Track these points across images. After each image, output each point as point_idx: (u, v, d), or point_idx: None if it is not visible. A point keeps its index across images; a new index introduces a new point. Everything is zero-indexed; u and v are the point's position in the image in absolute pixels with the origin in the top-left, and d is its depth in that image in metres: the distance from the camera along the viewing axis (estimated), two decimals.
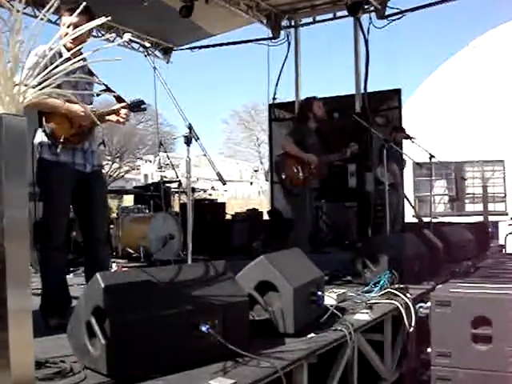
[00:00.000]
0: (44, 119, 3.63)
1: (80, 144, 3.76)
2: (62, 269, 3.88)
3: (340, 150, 6.04)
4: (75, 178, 3.75)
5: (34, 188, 3.87)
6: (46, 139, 3.66)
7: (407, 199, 9.19)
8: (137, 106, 3.85)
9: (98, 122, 3.69)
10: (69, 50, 3.43)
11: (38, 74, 2.08)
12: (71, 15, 3.38)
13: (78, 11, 2.77)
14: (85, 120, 3.67)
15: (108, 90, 3.83)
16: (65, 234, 3.81)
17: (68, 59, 2.65)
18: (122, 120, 3.85)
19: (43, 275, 3.80)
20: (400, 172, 8.29)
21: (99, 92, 3.91)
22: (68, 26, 3.58)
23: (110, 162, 30.38)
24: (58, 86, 3.33)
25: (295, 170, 5.82)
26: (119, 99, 3.84)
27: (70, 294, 3.85)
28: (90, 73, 3.85)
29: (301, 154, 5.84)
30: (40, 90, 2.08)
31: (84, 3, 2.90)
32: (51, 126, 3.62)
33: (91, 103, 3.91)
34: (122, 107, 3.83)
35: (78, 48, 3.26)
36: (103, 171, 4.23)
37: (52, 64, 2.20)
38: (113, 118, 3.90)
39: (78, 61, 2.24)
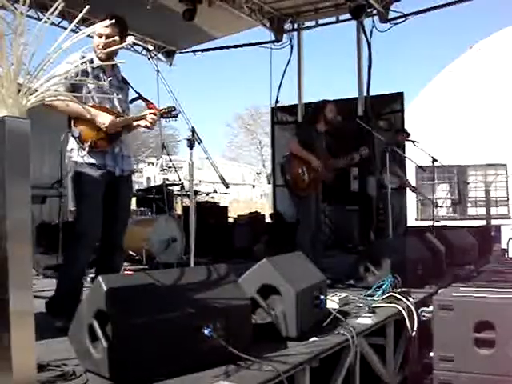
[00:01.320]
0: (72, 123, 3.72)
1: (109, 148, 3.82)
2: (84, 270, 3.90)
3: (346, 153, 5.99)
4: (106, 180, 3.81)
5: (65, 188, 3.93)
6: (75, 143, 3.74)
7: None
8: (167, 113, 3.89)
9: (123, 131, 3.85)
10: (101, 61, 3.71)
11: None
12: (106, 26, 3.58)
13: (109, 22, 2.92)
14: (110, 128, 3.74)
15: (140, 97, 3.98)
16: (97, 236, 3.83)
17: (99, 67, 2.85)
18: (149, 125, 3.89)
19: (65, 273, 3.84)
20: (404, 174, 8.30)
21: (132, 99, 4.06)
22: (101, 37, 3.73)
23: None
24: (89, 92, 3.60)
25: (300, 172, 5.76)
26: (150, 105, 3.91)
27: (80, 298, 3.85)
28: (124, 81, 4.01)
29: (306, 156, 5.79)
30: (42, 92, 2.08)
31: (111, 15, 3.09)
32: (79, 130, 3.71)
33: (125, 109, 4.00)
34: (151, 113, 3.87)
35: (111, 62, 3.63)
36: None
37: (83, 71, 2.31)
38: (141, 122, 3.94)
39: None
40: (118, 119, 3.78)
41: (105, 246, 3.96)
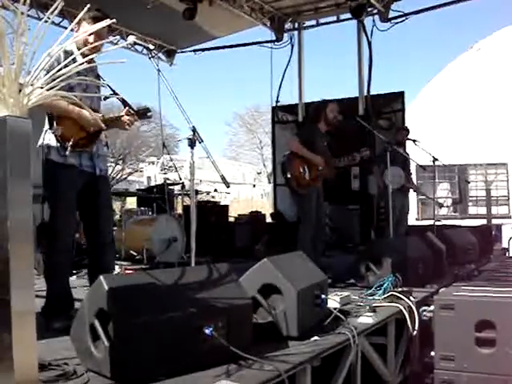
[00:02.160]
0: (55, 122, 3.66)
1: (88, 148, 3.79)
2: (67, 271, 3.89)
3: (347, 153, 5.98)
4: (82, 180, 3.77)
5: (44, 190, 3.89)
6: (54, 141, 3.67)
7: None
8: (143, 114, 3.89)
9: (105, 127, 3.74)
10: (84, 56, 3.44)
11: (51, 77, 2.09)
12: (94, 23, 3.44)
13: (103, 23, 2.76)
14: (93, 126, 3.70)
15: (115, 94, 3.87)
16: (72, 236, 3.83)
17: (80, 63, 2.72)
18: (127, 126, 3.86)
19: (48, 277, 3.81)
20: (406, 174, 8.28)
21: (107, 95, 3.94)
22: (90, 34, 3.62)
23: (113, 164, 30.40)
24: (71, 89, 3.45)
25: (301, 170, 5.75)
26: (125, 103, 3.86)
27: (72, 297, 3.85)
28: (98, 77, 3.91)
29: (308, 155, 5.79)
30: (47, 90, 2.08)
31: (94, 9, 2.97)
32: (61, 129, 3.65)
33: (99, 107, 3.96)
34: (127, 114, 3.84)
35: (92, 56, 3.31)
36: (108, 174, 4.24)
37: (63, 64, 2.23)
38: (118, 123, 3.90)
39: (85, 62, 2.25)
40: (98, 117, 3.71)
41: (93, 247, 3.94)
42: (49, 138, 3.70)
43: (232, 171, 37.15)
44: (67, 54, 3.32)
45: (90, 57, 3.26)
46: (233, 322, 2.82)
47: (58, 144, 3.65)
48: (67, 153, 3.63)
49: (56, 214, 3.75)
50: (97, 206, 3.87)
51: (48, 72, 2.14)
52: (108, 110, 4.08)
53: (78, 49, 3.60)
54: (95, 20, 3.50)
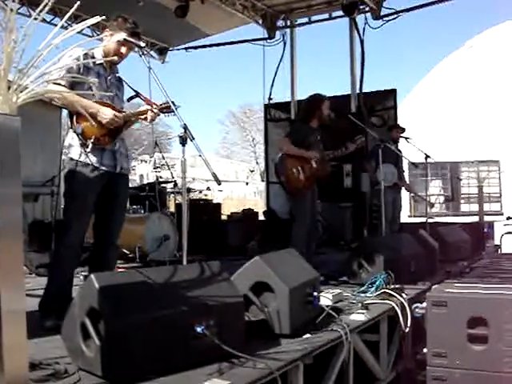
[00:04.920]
0: (75, 119, 3.69)
1: (110, 144, 3.80)
2: (73, 269, 3.88)
3: (340, 144, 5.92)
4: (101, 180, 3.78)
5: (58, 187, 3.90)
6: (75, 140, 3.70)
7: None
8: (166, 107, 3.83)
9: (123, 123, 3.82)
10: (111, 63, 3.85)
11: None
12: (131, 36, 3.80)
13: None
14: (112, 123, 3.72)
15: (138, 95, 3.96)
16: (82, 235, 3.82)
17: (100, 64, 2.94)
18: (149, 118, 3.86)
19: (52, 272, 3.84)
20: (399, 171, 8.30)
21: (130, 97, 4.06)
22: (122, 45, 3.84)
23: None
24: (90, 88, 3.63)
25: (295, 171, 5.69)
26: (148, 102, 3.89)
27: (72, 297, 3.83)
28: (120, 80, 4.03)
29: (300, 152, 5.72)
30: (33, 89, 2.07)
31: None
32: (82, 126, 3.67)
33: (121, 107, 3.98)
34: (149, 109, 3.85)
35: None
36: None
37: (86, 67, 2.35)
38: (142, 117, 3.92)
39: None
40: (119, 114, 3.76)
41: (99, 244, 3.95)
42: (71, 137, 3.73)
43: (225, 169, 37.13)
44: (87, 56, 3.68)
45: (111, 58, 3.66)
46: (225, 320, 2.82)
47: (80, 142, 3.68)
48: (88, 149, 3.66)
49: (69, 212, 3.78)
50: (112, 207, 3.90)
51: (69, 72, 2.22)
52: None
53: (105, 54, 3.84)
54: (133, 34, 3.82)
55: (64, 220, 3.84)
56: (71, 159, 3.71)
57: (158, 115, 3.89)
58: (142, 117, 3.89)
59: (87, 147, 3.66)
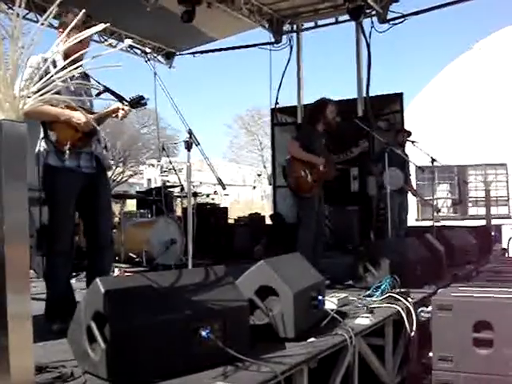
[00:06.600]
0: (49, 128, 3.65)
1: (86, 147, 3.79)
2: (67, 274, 3.89)
3: (345, 149, 5.96)
4: (81, 183, 3.77)
5: (41, 193, 3.89)
6: (51, 146, 3.67)
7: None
8: (136, 103, 3.81)
9: (98, 127, 3.73)
10: (67, 57, 3.42)
11: (35, 84, 2.09)
12: (85, 29, 3.29)
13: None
14: (85, 127, 3.67)
15: (106, 90, 3.82)
16: (71, 239, 3.83)
17: (63, 68, 2.67)
18: (120, 115, 3.80)
19: (48, 280, 3.83)
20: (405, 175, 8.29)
21: (99, 92, 3.87)
22: (81, 42, 3.56)
23: (113, 167, 30.46)
24: (58, 93, 3.40)
25: (303, 174, 5.73)
26: (117, 96, 3.82)
27: (75, 299, 3.85)
28: (86, 76, 3.84)
29: (307, 157, 5.77)
30: (40, 95, 2.09)
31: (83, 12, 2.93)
32: (55, 134, 3.64)
33: (92, 106, 3.95)
34: (120, 107, 3.80)
35: (77, 55, 3.24)
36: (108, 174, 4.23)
37: (47, 73, 2.21)
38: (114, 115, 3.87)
39: (75, 68, 2.24)
40: (91, 116, 3.70)
41: (93, 249, 3.94)
42: (46, 144, 3.70)
43: (232, 173, 37.19)
44: (46, 61, 3.21)
45: (75, 56, 3.23)
46: (229, 323, 2.83)
47: (55, 148, 3.65)
48: (66, 156, 3.61)
49: (54, 218, 3.76)
50: (97, 207, 3.88)
51: (41, 78, 2.13)
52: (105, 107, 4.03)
53: (66, 56, 3.39)
54: (87, 27, 3.32)
55: (50, 228, 3.79)
56: (49, 166, 3.67)
57: (130, 111, 3.85)
58: (114, 115, 3.85)
59: (64, 153, 3.60)
